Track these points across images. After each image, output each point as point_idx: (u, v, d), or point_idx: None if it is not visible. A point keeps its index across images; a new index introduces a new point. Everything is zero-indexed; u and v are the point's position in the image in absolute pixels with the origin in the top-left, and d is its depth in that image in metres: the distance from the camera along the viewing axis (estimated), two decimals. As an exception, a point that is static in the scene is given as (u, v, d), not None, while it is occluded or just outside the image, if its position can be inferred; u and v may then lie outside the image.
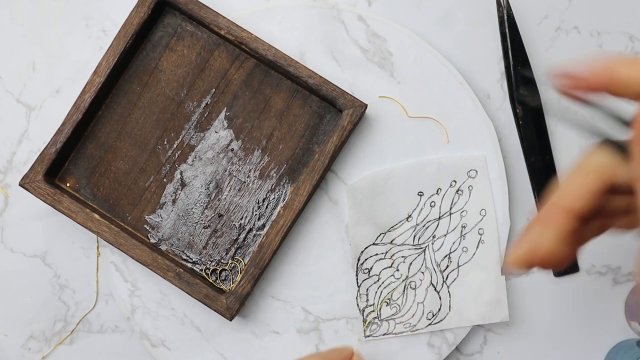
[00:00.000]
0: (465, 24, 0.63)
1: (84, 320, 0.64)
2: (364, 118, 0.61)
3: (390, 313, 0.61)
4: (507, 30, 0.61)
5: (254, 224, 0.61)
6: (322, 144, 0.59)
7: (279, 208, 0.61)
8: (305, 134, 0.61)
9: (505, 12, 0.61)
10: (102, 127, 0.61)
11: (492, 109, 0.63)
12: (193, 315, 0.62)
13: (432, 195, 0.61)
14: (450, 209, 0.61)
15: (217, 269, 0.61)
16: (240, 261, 0.60)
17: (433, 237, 0.61)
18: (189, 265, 0.61)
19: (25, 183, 0.58)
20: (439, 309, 0.61)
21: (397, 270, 0.61)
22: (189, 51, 0.61)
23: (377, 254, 0.61)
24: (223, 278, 0.61)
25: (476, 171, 0.61)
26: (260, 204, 0.61)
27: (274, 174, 0.61)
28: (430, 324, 0.61)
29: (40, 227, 0.63)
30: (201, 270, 0.61)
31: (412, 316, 0.61)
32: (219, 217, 0.61)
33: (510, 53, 0.61)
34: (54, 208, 0.59)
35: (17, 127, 0.64)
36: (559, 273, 0.62)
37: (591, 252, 0.63)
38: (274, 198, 0.61)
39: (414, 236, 0.61)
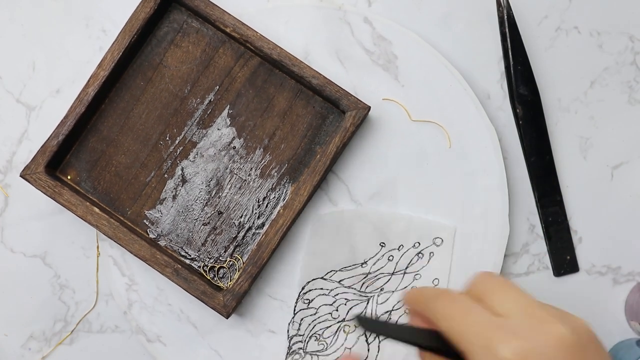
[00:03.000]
0: (465, 24, 0.63)
1: (84, 320, 0.64)
2: (367, 120, 0.61)
3: (316, 349, 0.61)
4: (507, 30, 0.61)
5: (253, 223, 0.61)
6: (324, 144, 0.59)
7: (278, 207, 0.61)
8: (308, 134, 0.61)
9: (505, 12, 0.61)
10: (105, 120, 0.61)
11: (492, 109, 0.63)
12: (189, 312, 0.62)
13: (393, 249, 0.61)
14: (406, 268, 0.61)
15: (215, 267, 0.61)
16: (239, 259, 0.60)
17: (381, 289, 0.61)
18: (187, 261, 0.61)
19: (26, 174, 0.58)
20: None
21: (337, 310, 0.61)
22: (194, 48, 0.61)
23: (322, 289, 0.61)
24: (221, 275, 0.60)
25: (442, 240, 0.61)
26: (261, 202, 0.61)
27: (275, 173, 0.61)
28: None
29: (40, 227, 0.63)
30: (199, 267, 0.61)
31: (337, 358, 0.61)
32: (218, 214, 0.61)
33: (510, 53, 0.61)
34: (54, 200, 0.58)
35: (17, 127, 0.64)
36: (559, 273, 0.63)
37: (591, 252, 0.63)
38: (274, 197, 0.61)
39: (363, 283, 0.61)
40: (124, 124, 0.61)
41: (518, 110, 0.62)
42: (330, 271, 0.61)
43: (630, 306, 0.62)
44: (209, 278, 0.60)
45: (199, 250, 0.61)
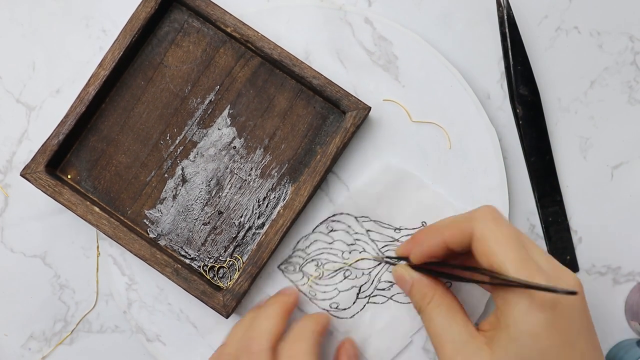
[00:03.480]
0: (465, 23, 0.63)
1: (84, 320, 0.63)
2: (367, 120, 0.61)
3: (310, 272, 0.61)
4: (507, 30, 0.61)
5: (253, 223, 0.61)
6: (325, 145, 0.59)
7: (279, 207, 0.61)
8: (308, 135, 0.61)
9: (505, 12, 0.61)
10: (105, 120, 0.61)
11: (492, 109, 0.63)
12: (189, 311, 0.62)
13: None
14: None
15: (215, 266, 0.60)
16: (239, 259, 0.60)
17: (397, 259, 0.60)
18: (187, 261, 0.61)
19: (26, 173, 0.58)
20: (344, 309, 0.61)
21: (349, 252, 0.61)
22: (195, 47, 0.61)
23: (349, 226, 0.61)
24: (221, 275, 0.60)
25: None
26: (261, 202, 0.61)
27: (275, 174, 0.61)
28: (326, 310, 0.61)
29: (40, 227, 0.63)
30: (199, 266, 0.61)
31: (323, 292, 0.61)
32: (218, 214, 0.61)
33: (510, 53, 0.61)
34: (54, 199, 0.58)
35: (17, 127, 0.64)
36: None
37: (591, 252, 0.63)
38: (275, 197, 0.61)
39: (386, 245, 0.61)
40: (125, 124, 0.61)
41: (518, 110, 0.62)
42: (366, 217, 0.61)
43: (630, 306, 0.62)
44: (208, 278, 0.60)
45: (198, 250, 0.61)
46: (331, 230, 0.61)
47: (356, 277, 0.61)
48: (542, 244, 0.63)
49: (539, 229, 0.63)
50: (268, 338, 0.53)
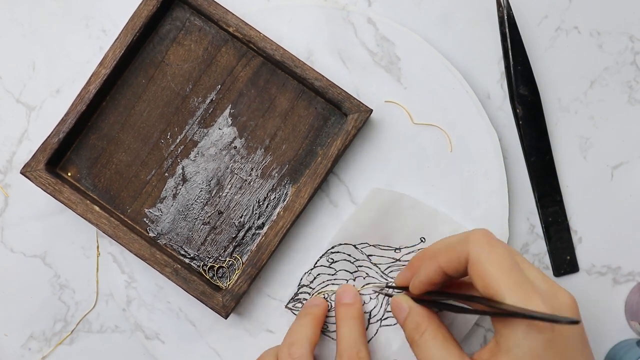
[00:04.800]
0: (465, 23, 0.63)
1: (84, 320, 0.63)
2: (369, 121, 0.61)
3: None
4: (507, 30, 0.61)
5: (253, 223, 0.61)
6: (326, 146, 0.59)
7: (279, 208, 0.61)
8: (309, 136, 0.61)
9: (505, 12, 0.61)
10: (106, 118, 0.61)
11: (492, 109, 0.63)
12: (188, 310, 0.62)
13: None
14: None
15: (214, 266, 0.60)
16: (238, 259, 0.60)
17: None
18: (187, 260, 0.60)
19: (26, 171, 0.58)
20: None
21: (354, 280, 0.61)
22: (196, 46, 0.61)
23: (349, 255, 0.61)
24: (220, 275, 0.60)
25: None
26: (261, 203, 0.61)
27: (276, 174, 0.61)
28: None
29: (40, 227, 0.63)
30: (199, 266, 0.60)
31: (334, 324, 0.60)
32: (218, 214, 0.61)
33: (510, 53, 0.61)
34: (55, 198, 0.58)
35: (17, 127, 0.63)
36: (559, 273, 0.63)
37: (591, 252, 0.64)
38: (275, 198, 0.61)
39: (389, 267, 0.61)
40: (125, 122, 0.61)
41: (518, 110, 0.62)
42: (364, 243, 0.61)
43: (630, 306, 0.62)
44: (208, 277, 0.60)
45: (198, 250, 0.61)
46: (332, 262, 0.61)
47: (364, 303, 0.61)
48: (542, 244, 0.63)
49: (539, 229, 0.63)
50: (307, 344, 0.55)
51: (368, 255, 0.61)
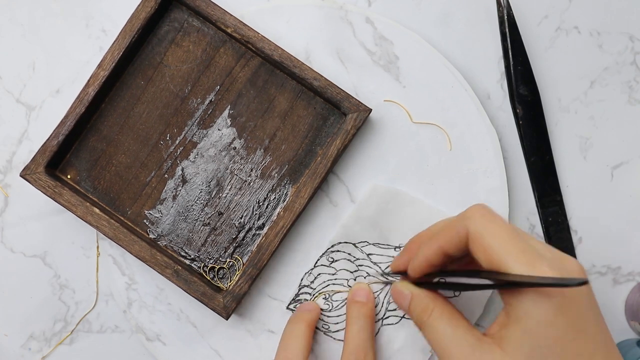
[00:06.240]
0: (465, 23, 0.63)
1: (84, 320, 0.63)
2: (368, 121, 0.61)
3: (320, 306, 0.61)
4: (507, 30, 0.61)
5: (253, 223, 0.61)
6: (325, 146, 0.59)
7: (279, 208, 0.61)
8: (309, 136, 0.60)
9: (505, 12, 0.61)
10: (105, 120, 0.61)
11: (492, 109, 0.63)
12: (189, 311, 0.62)
13: None
14: None
15: (215, 267, 0.60)
16: (239, 260, 0.60)
17: (397, 277, 0.59)
18: (187, 261, 0.60)
19: (26, 174, 0.58)
20: None
21: (354, 279, 0.61)
22: (195, 47, 0.61)
23: (349, 254, 0.61)
24: (221, 276, 0.60)
25: None
26: (261, 203, 0.61)
27: (276, 174, 0.61)
28: (342, 341, 0.60)
29: (40, 227, 0.63)
30: (199, 267, 0.60)
31: (336, 324, 0.61)
32: (218, 215, 0.61)
33: (510, 53, 0.61)
34: (54, 200, 0.58)
35: (17, 127, 0.63)
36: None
37: (591, 252, 0.63)
38: (275, 198, 0.61)
39: (389, 266, 0.61)
40: (124, 124, 0.61)
41: (518, 110, 0.62)
42: (364, 242, 0.61)
43: (630, 306, 0.62)
44: (208, 278, 0.60)
45: (199, 251, 0.61)
46: (333, 261, 0.61)
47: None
48: (542, 244, 0.63)
49: (539, 229, 0.63)
50: (302, 357, 0.56)
51: (368, 254, 0.61)
